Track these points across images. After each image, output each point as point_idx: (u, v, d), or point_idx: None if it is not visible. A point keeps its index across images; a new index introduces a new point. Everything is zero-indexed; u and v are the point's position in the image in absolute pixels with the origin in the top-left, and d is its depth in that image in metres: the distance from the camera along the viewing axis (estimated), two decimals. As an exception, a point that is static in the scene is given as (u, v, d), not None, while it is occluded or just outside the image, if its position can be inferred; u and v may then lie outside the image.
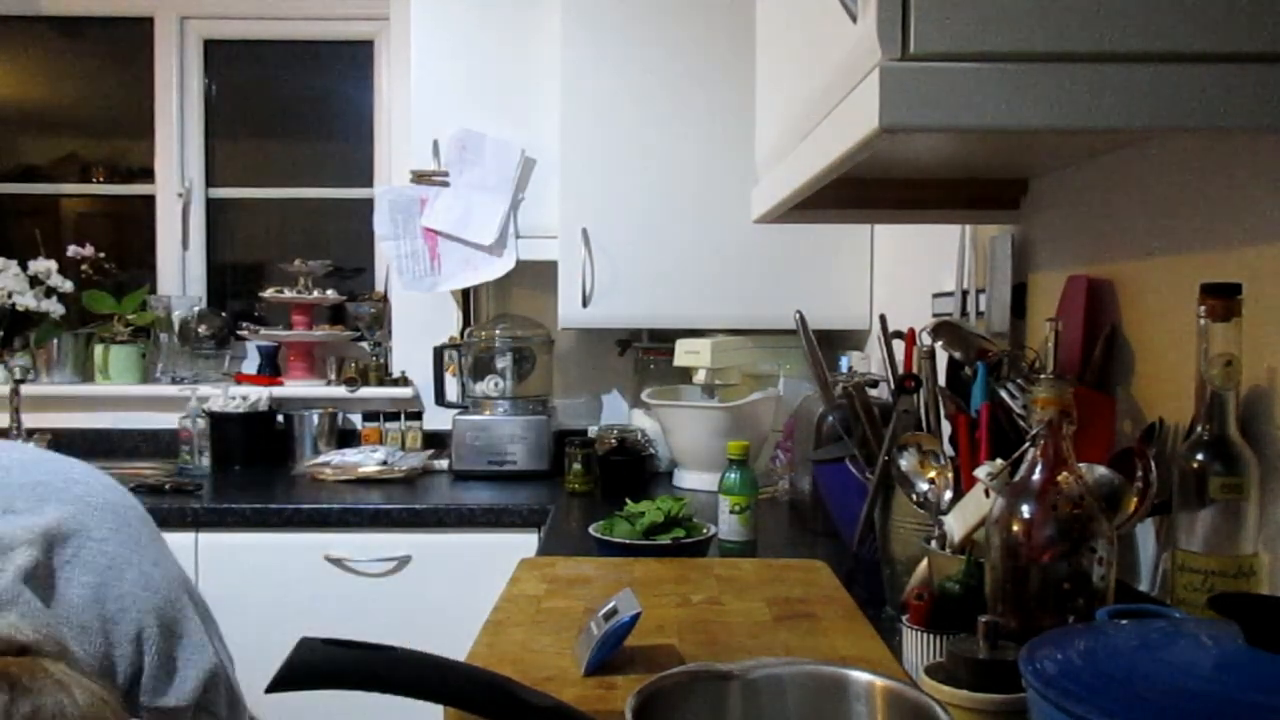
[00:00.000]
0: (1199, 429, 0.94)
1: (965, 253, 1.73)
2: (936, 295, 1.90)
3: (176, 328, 3.02)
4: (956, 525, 1.05)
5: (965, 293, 1.72)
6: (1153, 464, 0.98)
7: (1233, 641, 0.64)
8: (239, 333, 3.02)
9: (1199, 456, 0.93)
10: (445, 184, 2.56)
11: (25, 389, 2.85)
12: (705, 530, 1.57)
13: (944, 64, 0.75)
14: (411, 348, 2.88)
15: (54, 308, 2.92)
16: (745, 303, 2.42)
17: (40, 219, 3.20)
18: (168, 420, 2.89)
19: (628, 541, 1.52)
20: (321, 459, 2.58)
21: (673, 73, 2.40)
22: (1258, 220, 0.99)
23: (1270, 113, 0.75)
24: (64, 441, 2.94)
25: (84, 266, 3.03)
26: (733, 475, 1.63)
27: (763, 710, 0.78)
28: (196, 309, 3.06)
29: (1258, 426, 0.96)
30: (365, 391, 2.92)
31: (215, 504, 2.34)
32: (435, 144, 2.57)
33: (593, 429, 2.68)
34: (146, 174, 3.16)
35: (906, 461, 1.15)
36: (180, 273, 3.14)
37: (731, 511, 1.61)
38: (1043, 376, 1.08)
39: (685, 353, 2.31)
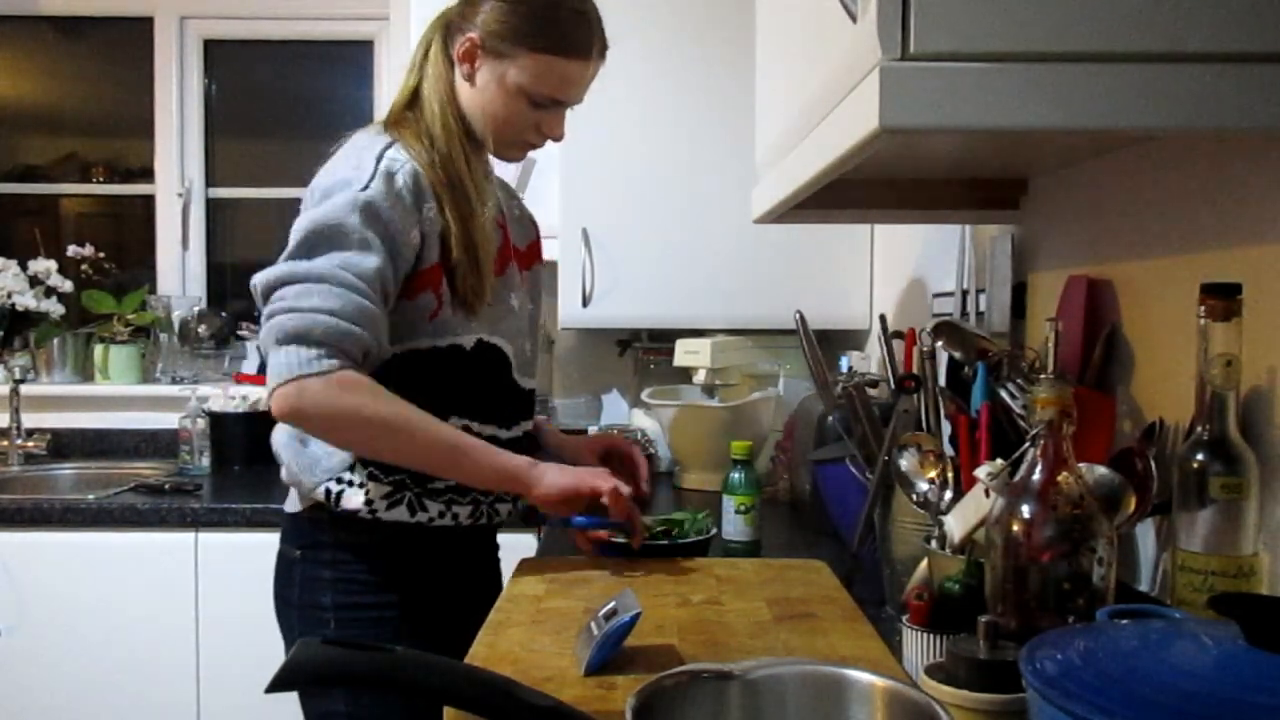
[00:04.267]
0: (1199, 429, 0.94)
1: (965, 253, 1.73)
2: (936, 295, 1.90)
3: (176, 328, 3.02)
4: (956, 525, 1.05)
5: (965, 293, 1.72)
6: (1153, 464, 0.98)
7: (1233, 641, 0.64)
8: (239, 333, 3.02)
9: (1199, 456, 0.93)
10: (445, 184, 2.56)
11: (25, 389, 2.85)
12: (706, 530, 1.57)
13: (944, 64, 0.75)
14: (411, 348, 2.88)
15: (54, 308, 2.92)
16: (745, 303, 2.42)
17: (40, 219, 3.20)
18: (168, 420, 2.89)
19: (628, 541, 1.52)
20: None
21: (672, 73, 2.40)
22: (1258, 220, 0.99)
23: (1270, 113, 0.75)
24: (64, 441, 2.95)
25: (84, 266, 3.03)
26: (737, 475, 1.63)
27: (763, 710, 0.78)
28: (196, 309, 3.06)
29: (1258, 426, 0.96)
30: (365, 391, 2.91)
31: (215, 504, 2.34)
32: (435, 144, 2.56)
33: (593, 429, 2.68)
34: (146, 174, 3.16)
35: (906, 461, 1.15)
36: (180, 273, 3.14)
37: (736, 511, 1.61)
38: (1043, 376, 1.08)
39: (685, 353, 2.31)
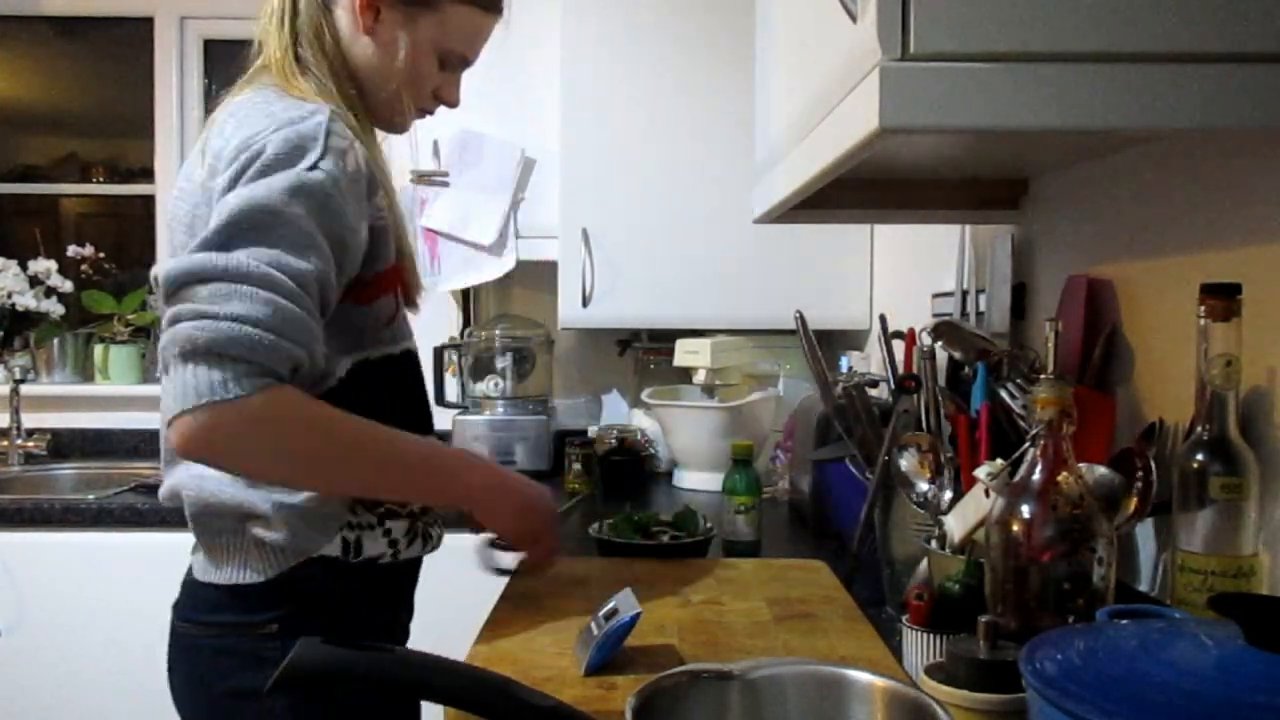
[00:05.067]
0: (1199, 429, 0.94)
1: (965, 253, 1.73)
2: (936, 295, 1.90)
3: (176, 328, 3.01)
4: (956, 525, 1.05)
5: (965, 293, 1.72)
6: (1153, 464, 0.98)
7: (1233, 641, 0.64)
8: (239, 333, 3.01)
9: (1199, 456, 0.93)
10: (445, 184, 2.56)
11: (25, 389, 2.85)
12: (705, 530, 1.57)
13: (944, 64, 0.75)
14: (411, 348, 2.88)
15: (54, 308, 2.92)
16: (745, 303, 2.42)
17: (40, 219, 3.20)
18: (168, 420, 2.88)
19: (627, 541, 1.52)
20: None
21: (673, 73, 2.40)
22: (1258, 220, 0.99)
23: (1270, 113, 0.75)
24: (64, 441, 2.94)
25: (84, 266, 3.03)
26: (737, 475, 1.62)
27: (763, 710, 0.78)
28: (196, 309, 3.06)
29: (1258, 426, 0.96)
30: (365, 391, 2.91)
31: (215, 504, 2.34)
32: (435, 144, 2.57)
33: (593, 429, 2.69)
34: (146, 174, 3.16)
35: (906, 461, 1.15)
36: (180, 273, 3.13)
37: (736, 511, 1.61)
38: (1043, 376, 1.08)
39: (685, 353, 2.31)
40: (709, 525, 1.58)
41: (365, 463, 1.07)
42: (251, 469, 1.05)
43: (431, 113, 1.29)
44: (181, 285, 0.97)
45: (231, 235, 0.98)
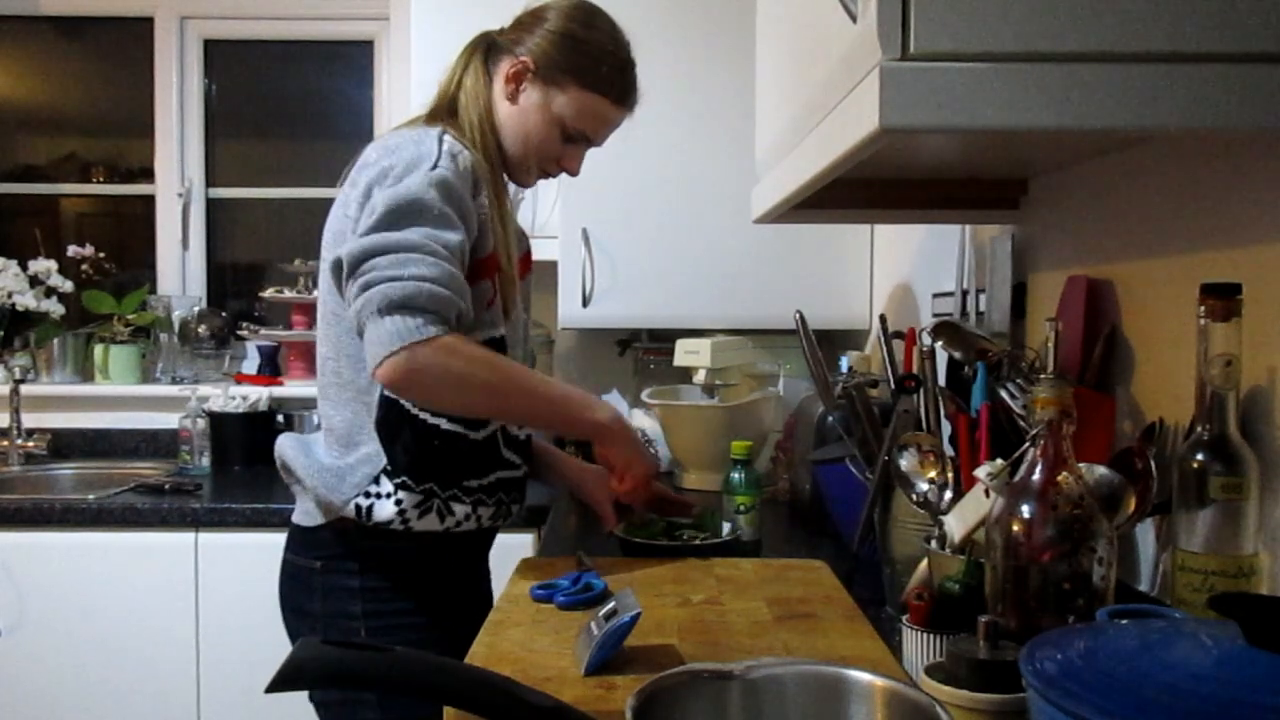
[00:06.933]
0: (1199, 429, 0.94)
1: (965, 253, 1.73)
2: (936, 295, 1.90)
3: (176, 328, 3.02)
4: (956, 525, 1.05)
5: (965, 293, 1.72)
6: (1153, 464, 0.98)
7: (1233, 641, 0.64)
8: (239, 333, 3.02)
9: (1199, 456, 0.93)
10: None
11: (25, 389, 2.85)
12: (733, 531, 1.57)
13: (944, 64, 0.75)
14: (411, 348, 2.87)
15: (54, 308, 2.92)
16: (745, 303, 2.42)
17: (40, 219, 3.20)
18: (168, 420, 2.89)
19: (654, 543, 1.51)
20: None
21: (673, 72, 2.39)
22: (1258, 220, 0.99)
23: (1270, 113, 0.75)
24: (64, 441, 2.95)
25: (84, 266, 3.03)
26: (738, 475, 1.62)
27: (763, 710, 0.78)
28: (196, 309, 3.06)
29: (1258, 426, 0.96)
30: (365, 391, 2.91)
31: (215, 504, 2.34)
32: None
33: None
34: (146, 174, 3.16)
35: (906, 461, 1.15)
36: (180, 273, 3.14)
37: (737, 511, 1.61)
38: (1043, 376, 1.08)
39: (685, 353, 2.31)
40: (734, 525, 1.59)
41: (519, 393, 1.32)
42: (441, 396, 1.27)
43: (554, 176, 1.51)
44: (365, 258, 1.22)
45: (393, 221, 1.24)
